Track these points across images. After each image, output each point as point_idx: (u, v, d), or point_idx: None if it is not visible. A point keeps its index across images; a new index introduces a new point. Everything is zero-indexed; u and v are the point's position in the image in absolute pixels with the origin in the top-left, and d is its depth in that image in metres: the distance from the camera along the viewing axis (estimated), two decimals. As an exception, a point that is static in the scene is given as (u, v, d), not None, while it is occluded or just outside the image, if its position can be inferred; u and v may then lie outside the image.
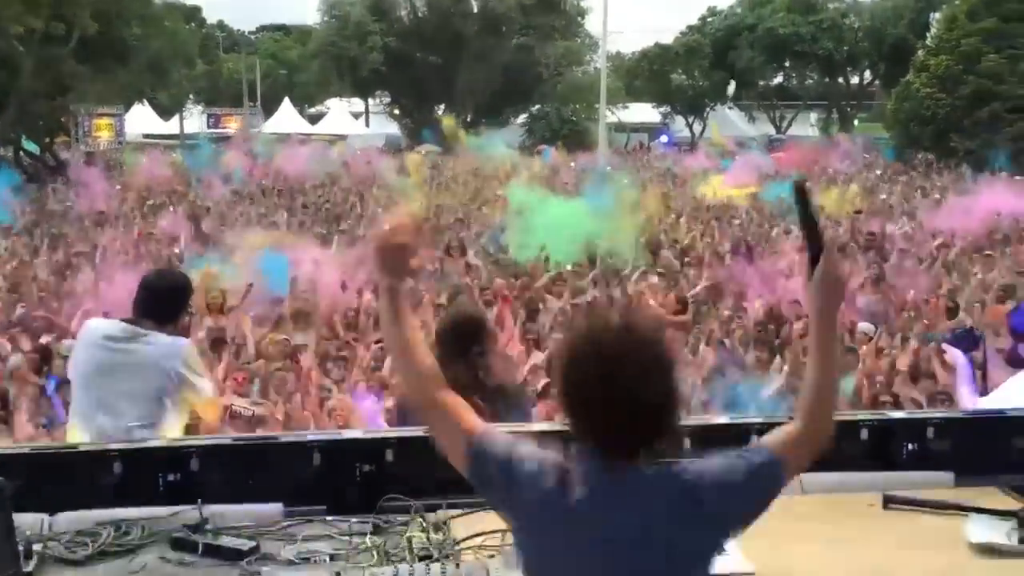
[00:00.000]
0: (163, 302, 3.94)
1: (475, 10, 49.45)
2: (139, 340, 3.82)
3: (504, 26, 47.54)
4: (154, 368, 3.77)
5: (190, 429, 4.16)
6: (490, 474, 1.99)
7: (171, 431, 3.70)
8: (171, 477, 2.92)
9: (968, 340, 4.16)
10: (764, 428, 2.89)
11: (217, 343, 7.77)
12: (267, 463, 2.98)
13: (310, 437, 3.04)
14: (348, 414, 5.91)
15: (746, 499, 1.97)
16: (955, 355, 4.15)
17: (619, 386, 1.85)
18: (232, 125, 53.61)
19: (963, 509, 2.86)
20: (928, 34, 44.22)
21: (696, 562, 1.96)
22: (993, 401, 3.72)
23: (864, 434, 3.14)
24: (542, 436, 2.10)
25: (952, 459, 3.13)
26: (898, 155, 35.48)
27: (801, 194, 2.14)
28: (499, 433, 2.05)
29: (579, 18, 50.18)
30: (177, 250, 12.71)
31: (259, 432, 6.03)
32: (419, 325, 2.17)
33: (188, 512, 2.77)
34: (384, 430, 3.22)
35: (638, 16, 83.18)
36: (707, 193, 20.26)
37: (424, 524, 2.76)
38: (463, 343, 3.62)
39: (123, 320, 3.96)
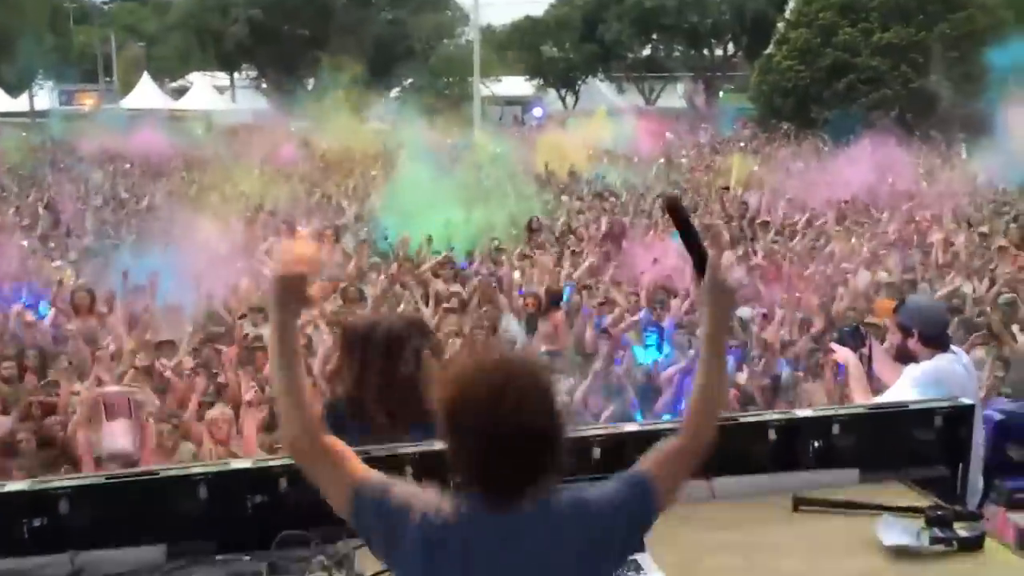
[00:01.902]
0: None
1: (343, -19, 48.31)
2: None
3: (373, -2, 46.70)
4: None
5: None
6: (370, 523, 1.92)
7: None
8: (37, 523, 2.63)
9: (855, 338, 4.20)
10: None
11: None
12: (147, 501, 2.72)
13: (195, 470, 2.79)
14: (229, 427, 5.59)
15: (628, 524, 1.97)
16: (845, 354, 4.19)
17: (501, 417, 1.80)
18: (88, 102, 50.88)
19: (872, 508, 2.87)
20: (787, 7, 45.73)
21: None
22: (890, 397, 3.77)
23: (772, 434, 3.11)
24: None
25: (857, 455, 3.14)
26: (762, 125, 36.67)
27: (673, 209, 2.15)
28: (380, 479, 1.96)
29: (450, -10, 49.70)
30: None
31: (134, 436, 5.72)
32: (304, 369, 2.05)
33: (59, 562, 2.54)
34: (276, 457, 2.98)
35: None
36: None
37: (325, 561, 2.57)
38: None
39: None
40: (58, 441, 5.79)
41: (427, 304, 8.57)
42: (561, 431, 1.87)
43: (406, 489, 1.94)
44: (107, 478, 2.73)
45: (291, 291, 1.99)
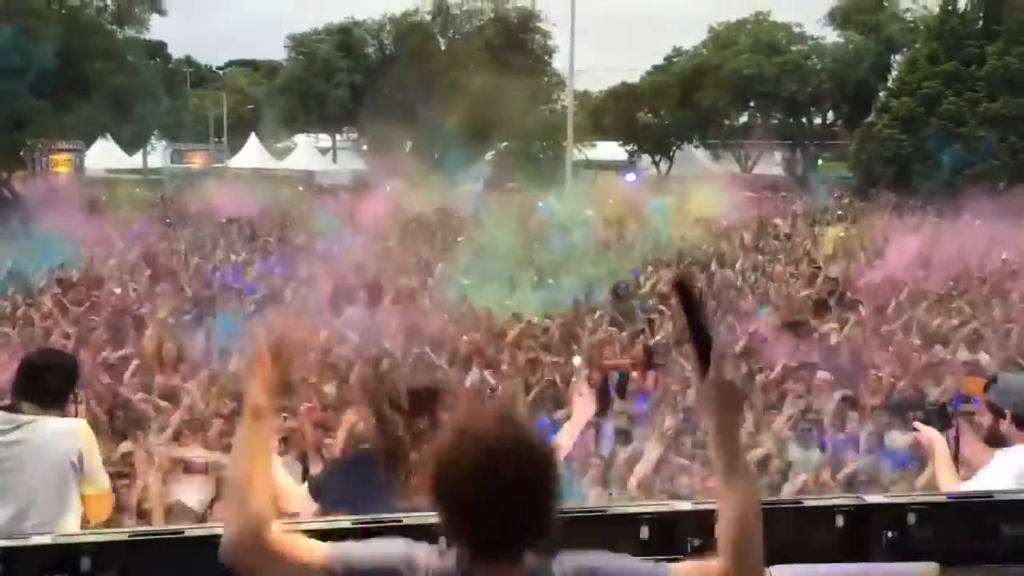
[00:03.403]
0: (46, 383, 3.53)
1: (443, 48, 49.58)
2: (24, 428, 3.40)
3: (472, 65, 47.71)
4: (50, 456, 3.36)
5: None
6: None
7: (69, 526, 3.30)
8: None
9: (942, 418, 3.86)
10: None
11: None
12: (173, 559, 2.63)
13: (219, 530, 2.68)
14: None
15: None
16: (931, 436, 3.86)
17: (497, 482, 1.72)
18: (197, 161, 53.19)
19: (951, 610, 2.59)
20: (889, 76, 44.96)
21: None
22: (978, 484, 3.45)
23: (839, 521, 2.85)
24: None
25: (936, 548, 2.85)
26: (861, 195, 35.82)
27: (683, 290, 1.86)
28: (343, 549, 1.85)
29: (546, 57, 50.47)
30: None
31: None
32: (271, 460, 1.95)
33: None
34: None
35: (604, 56, 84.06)
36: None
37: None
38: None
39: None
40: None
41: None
42: (556, 497, 1.79)
43: (375, 549, 1.85)
44: (131, 535, 2.65)
45: (273, 375, 1.92)
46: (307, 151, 54.91)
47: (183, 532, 2.68)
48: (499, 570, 1.77)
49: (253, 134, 52.74)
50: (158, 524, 5.52)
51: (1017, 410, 3.67)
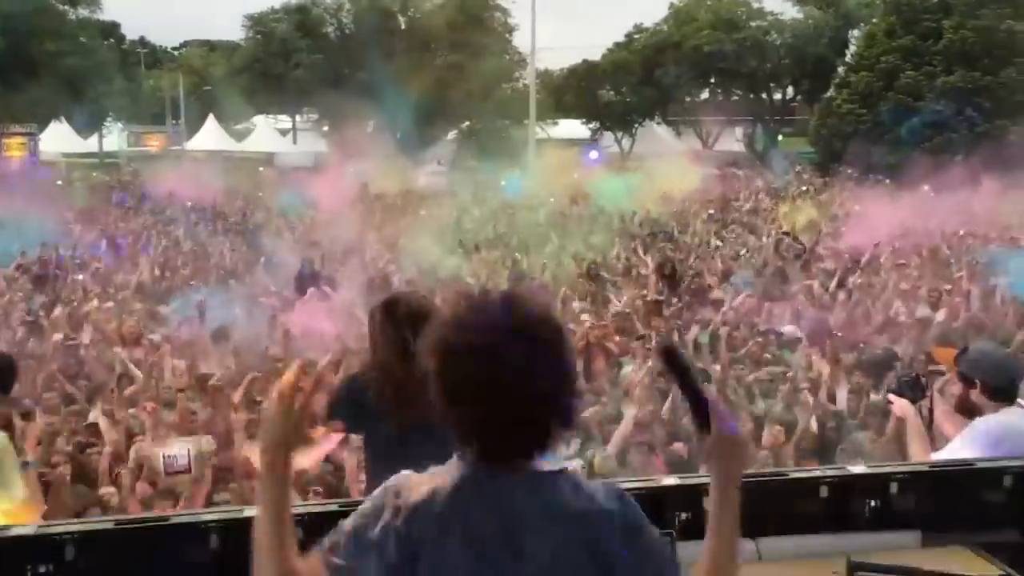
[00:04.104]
0: None
1: (403, 27, 49.09)
2: None
3: (433, 43, 47.31)
4: None
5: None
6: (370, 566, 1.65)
7: None
8: (42, 569, 2.51)
9: (915, 388, 3.90)
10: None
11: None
12: (157, 548, 2.60)
13: (206, 516, 2.65)
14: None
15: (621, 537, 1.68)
16: (903, 406, 3.90)
17: (505, 376, 1.59)
18: (154, 143, 52.31)
19: (937, 577, 2.62)
20: (848, 51, 45.30)
21: None
22: (951, 453, 3.50)
23: (824, 491, 2.88)
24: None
25: (918, 517, 2.90)
26: (822, 169, 36.13)
27: (667, 355, 1.83)
28: (334, 535, 1.70)
29: (507, 35, 50.15)
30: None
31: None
32: (289, 513, 1.73)
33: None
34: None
35: (565, 34, 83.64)
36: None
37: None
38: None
39: None
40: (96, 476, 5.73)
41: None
42: (573, 388, 1.67)
43: (363, 509, 1.70)
44: (116, 524, 2.61)
45: (288, 428, 1.71)
46: (267, 132, 54.21)
47: (169, 519, 2.64)
48: (516, 468, 1.66)
49: (211, 115, 51.92)
50: (129, 489, 5.47)
51: (987, 379, 3.73)
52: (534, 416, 1.63)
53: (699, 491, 2.85)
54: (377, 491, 1.72)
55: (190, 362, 7.99)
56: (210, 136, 50.54)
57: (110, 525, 2.60)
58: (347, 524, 1.70)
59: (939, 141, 32.41)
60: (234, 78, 52.46)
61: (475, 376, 1.61)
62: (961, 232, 16.37)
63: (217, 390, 6.83)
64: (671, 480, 2.90)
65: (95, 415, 6.60)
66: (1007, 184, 19.98)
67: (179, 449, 5.54)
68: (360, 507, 1.72)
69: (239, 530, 2.59)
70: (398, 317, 3.34)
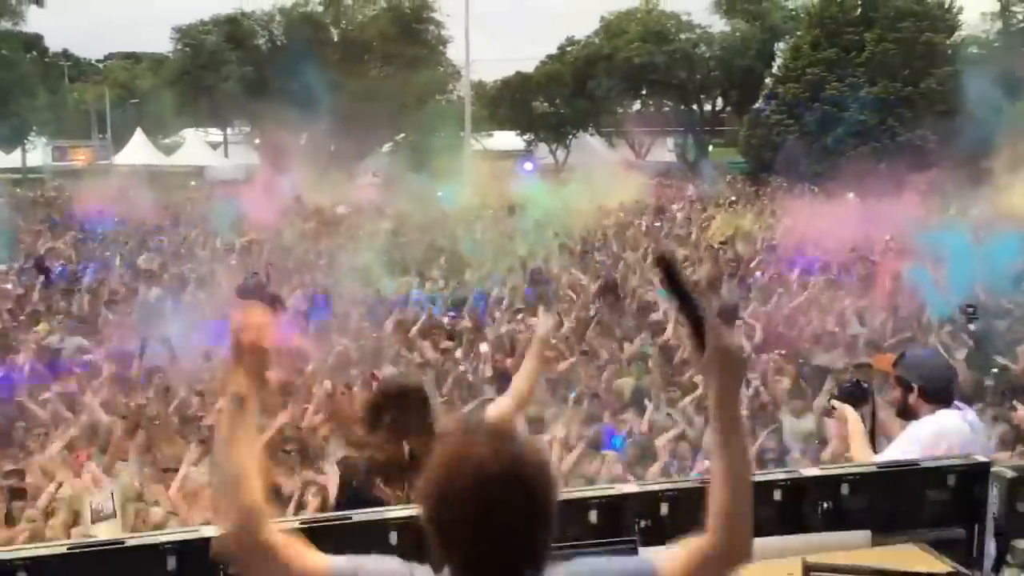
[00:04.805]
0: None
1: (335, 39, 48.80)
2: None
3: (366, 55, 47.13)
4: None
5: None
6: None
7: None
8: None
9: (856, 395, 4.03)
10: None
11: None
12: (112, 572, 2.54)
13: (163, 538, 2.60)
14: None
15: None
16: (846, 411, 4.02)
17: (498, 526, 1.65)
18: (80, 158, 51.03)
19: (890, 575, 2.70)
20: (774, 63, 46.34)
21: None
22: (890, 455, 3.61)
23: (777, 495, 2.94)
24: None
25: (868, 517, 2.98)
26: (752, 179, 36.90)
27: (666, 266, 1.83)
28: (346, 563, 1.78)
29: (441, 48, 50.22)
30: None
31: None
32: (256, 452, 1.82)
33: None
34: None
35: (498, 46, 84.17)
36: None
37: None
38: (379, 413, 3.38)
39: None
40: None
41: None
42: (553, 530, 1.72)
43: (380, 567, 1.78)
44: (69, 548, 2.54)
45: (254, 360, 1.82)
46: (197, 146, 53.29)
47: (124, 542, 2.58)
48: None
49: (139, 129, 50.88)
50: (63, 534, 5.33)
51: (924, 383, 3.86)
52: (515, 555, 1.68)
53: (657, 497, 2.90)
54: (393, 566, 1.80)
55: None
56: (138, 150, 49.47)
57: (63, 550, 2.53)
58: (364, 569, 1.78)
59: (864, 150, 33.31)
60: (162, 91, 51.55)
61: (464, 516, 1.65)
62: (887, 238, 16.81)
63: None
64: (630, 487, 2.93)
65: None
66: (926, 191, 20.65)
67: (103, 496, 5.46)
68: (377, 566, 1.81)
69: (196, 551, 2.56)
70: (379, 406, 3.44)
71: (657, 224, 20.75)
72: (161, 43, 54.23)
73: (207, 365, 8.50)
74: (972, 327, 9.47)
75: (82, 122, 52.98)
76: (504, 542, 1.66)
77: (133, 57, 63.66)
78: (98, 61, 65.44)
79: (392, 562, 1.80)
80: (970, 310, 9.92)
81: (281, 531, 1.79)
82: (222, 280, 12.75)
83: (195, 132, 54.42)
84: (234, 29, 49.47)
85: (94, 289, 12.85)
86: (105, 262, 16.14)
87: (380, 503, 3.26)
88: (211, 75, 47.53)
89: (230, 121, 52.58)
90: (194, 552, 2.54)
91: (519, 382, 3.86)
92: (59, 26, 74.44)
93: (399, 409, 3.38)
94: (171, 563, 2.52)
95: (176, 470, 6.11)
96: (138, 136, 50.65)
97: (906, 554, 2.87)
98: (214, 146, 55.25)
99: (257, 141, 51.86)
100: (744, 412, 7.02)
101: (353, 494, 3.49)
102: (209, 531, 2.58)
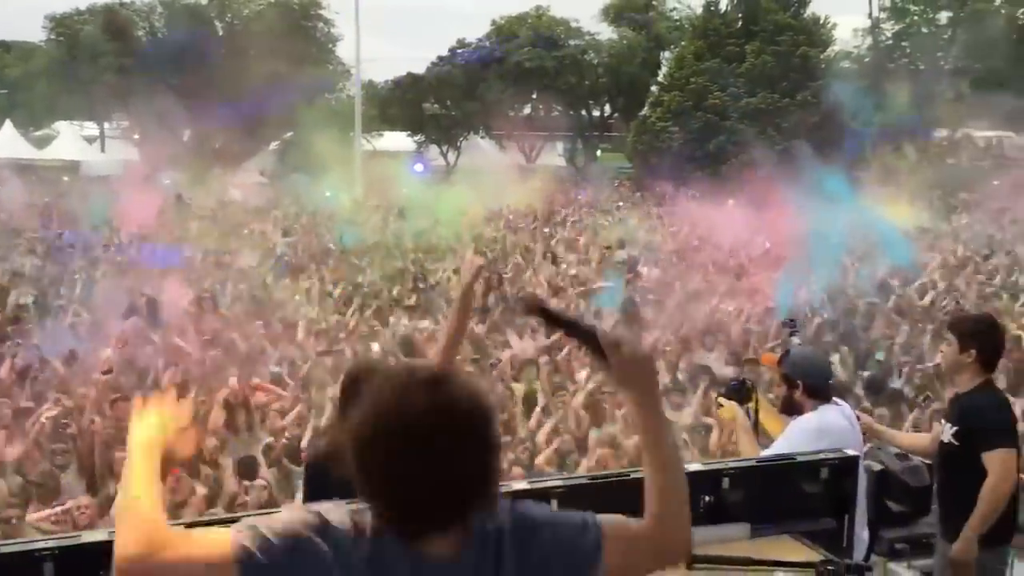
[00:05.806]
0: None
1: (220, 33, 47.58)
2: None
3: (252, 51, 46.08)
4: None
5: None
6: None
7: None
8: None
9: (741, 391, 4.19)
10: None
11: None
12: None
13: (39, 544, 2.50)
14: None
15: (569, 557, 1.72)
16: (731, 408, 4.18)
17: (431, 463, 1.56)
18: (-59, 150, 48.24)
19: (767, 564, 2.82)
20: (660, 72, 47.50)
21: None
22: (777, 450, 3.77)
23: (662, 490, 3.03)
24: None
25: (747, 509, 3.10)
26: (639, 184, 37.71)
27: (536, 310, 1.84)
28: (247, 525, 1.64)
29: (330, 46, 49.57)
30: None
31: None
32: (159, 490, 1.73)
33: None
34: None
35: (390, 46, 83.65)
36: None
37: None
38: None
39: None
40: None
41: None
42: (497, 470, 1.66)
43: (290, 517, 1.66)
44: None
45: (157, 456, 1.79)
46: (71, 140, 50.96)
47: (80, 537, 2.49)
48: (434, 543, 1.63)
49: (8, 121, 48.39)
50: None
51: (807, 380, 4.05)
52: (451, 500, 1.60)
53: (614, 486, 2.92)
54: (302, 515, 1.67)
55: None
56: (7, 143, 47.04)
57: (12, 548, 2.41)
58: (267, 527, 1.64)
59: (744, 158, 34.51)
60: (33, 81, 49.22)
61: (397, 465, 1.57)
62: (767, 245, 17.44)
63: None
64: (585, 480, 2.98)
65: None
66: (799, 200, 21.49)
67: None
68: (284, 519, 1.67)
69: (76, 557, 2.48)
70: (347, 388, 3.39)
71: (546, 230, 20.98)
72: (31, 31, 51.91)
73: (75, 370, 8.25)
74: (795, 340, 9.91)
75: (-55, 112, 50.11)
76: (441, 490, 1.58)
77: (2, 45, 60.56)
78: (-37, 48, 62.06)
79: (299, 511, 1.68)
80: (791, 323, 10.40)
81: (176, 530, 1.70)
82: (98, 284, 12.26)
83: (70, 125, 52.12)
84: (111, 19, 47.65)
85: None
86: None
87: (345, 483, 3.21)
88: (87, 67, 45.66)
89: (107, 115, 50.60)
90: (73, 558, 2.46)
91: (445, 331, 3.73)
92: (-80, 10, 70.22)
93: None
94: (48, 571, 2.43)
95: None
96: (7, 128, 48.17)
97: (782, 545, 3.00)
98: (90, 140, 53.02)
99: (136, 136, 50.10)
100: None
101: (314, 475, 3.47)
102: (89, 537, 2.50)
